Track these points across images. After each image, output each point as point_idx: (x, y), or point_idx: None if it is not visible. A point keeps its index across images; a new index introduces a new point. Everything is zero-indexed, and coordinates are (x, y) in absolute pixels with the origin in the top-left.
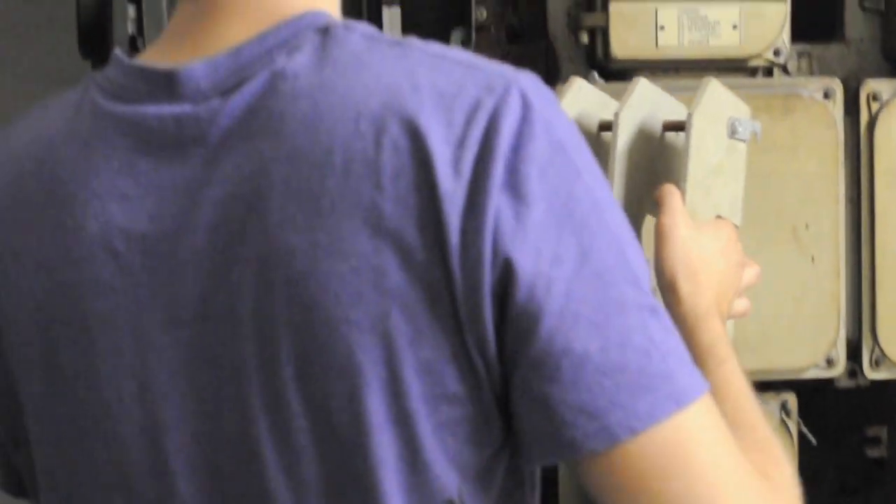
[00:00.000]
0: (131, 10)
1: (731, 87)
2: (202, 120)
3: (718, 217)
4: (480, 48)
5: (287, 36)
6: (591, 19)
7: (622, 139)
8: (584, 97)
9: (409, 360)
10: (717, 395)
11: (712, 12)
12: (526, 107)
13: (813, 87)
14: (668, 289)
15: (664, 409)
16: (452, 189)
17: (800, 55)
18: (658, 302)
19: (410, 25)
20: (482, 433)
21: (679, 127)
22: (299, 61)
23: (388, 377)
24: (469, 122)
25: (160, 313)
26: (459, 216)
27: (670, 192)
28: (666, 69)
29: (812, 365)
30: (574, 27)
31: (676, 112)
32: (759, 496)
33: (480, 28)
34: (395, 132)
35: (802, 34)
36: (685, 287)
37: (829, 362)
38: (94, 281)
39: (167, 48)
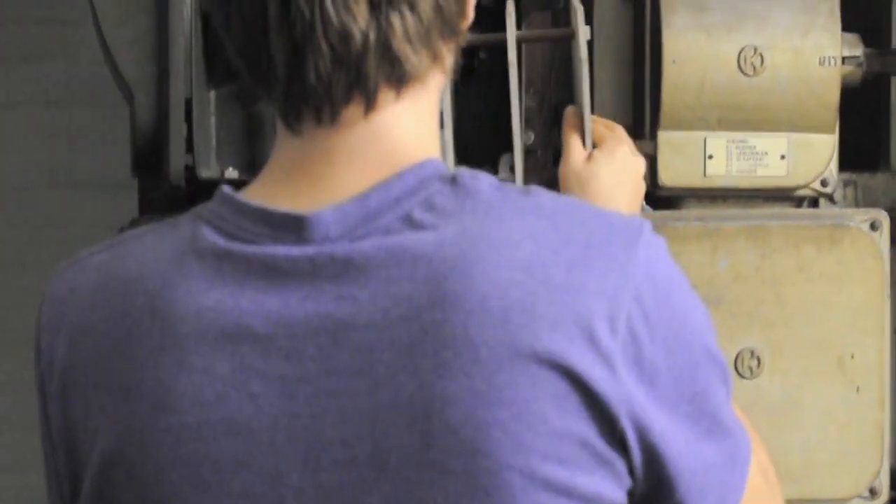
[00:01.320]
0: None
1: (777, 217)
2: (337, 259)
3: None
4: (528, 171)
5: (414, 184)
6: (639, 147)
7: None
8: None
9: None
10: None
11: (761, 142)
12: (653, 269)
13: (860, 218)
14: None
15: None
16: (609, 346)
17: (845, 184)
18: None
19: (459, 151)
20: None
21: None
22: (437, 209)
23: None
24: (612, 278)
25: (300, 457)
26: (612, 373)
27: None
28: (713, 197)
29: (855, 495)
30: None
31: None
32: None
33: (528, 151)
34: (551, 282)
35: (847, 163)
36: None
37: (873, 492)
38: (228, 422)
39: (280, 189)
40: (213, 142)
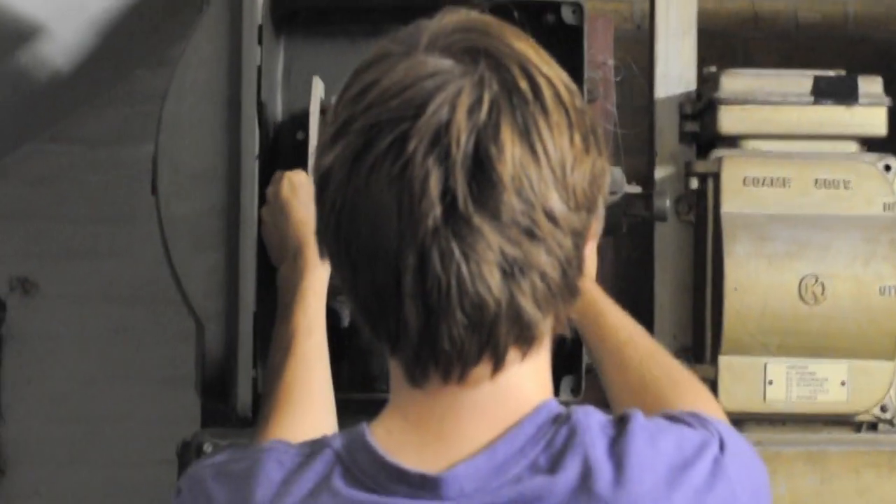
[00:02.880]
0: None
1: (837, 443)
2: None
3: None
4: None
5: (533, 432)
6: (700, 371)
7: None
8: None
9: None
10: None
11: (821, 369)
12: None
13: None
14: None
15: None
16: None
17: None
18: None
19: None
20: None
21: None
22: (555, 448)
23: None
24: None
25: None
26: None
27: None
28: (773, 422)
29: None
30: None
31: None
32: None
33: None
34: None
35: None
36: None
37: None
38: None
39: (407, 439)
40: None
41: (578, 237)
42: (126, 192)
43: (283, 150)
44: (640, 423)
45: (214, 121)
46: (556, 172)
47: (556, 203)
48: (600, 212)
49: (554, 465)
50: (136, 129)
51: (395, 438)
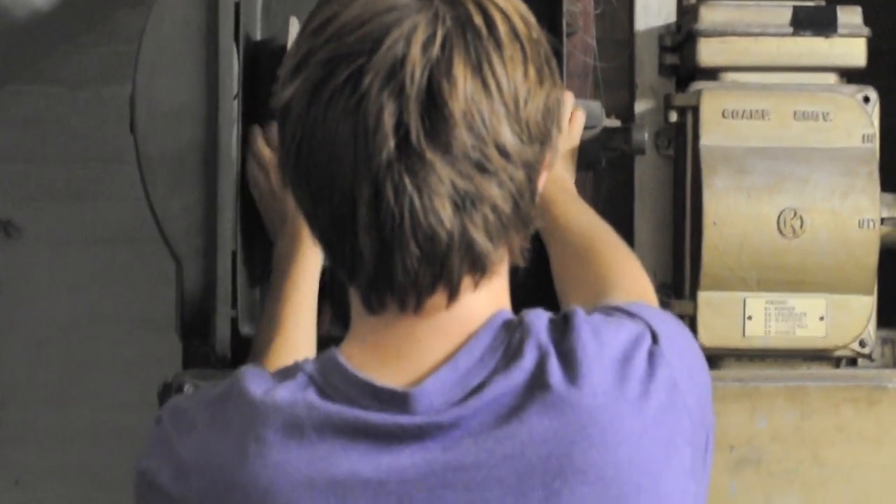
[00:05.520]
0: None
1: (816, 378)
2: (445, 425)
3: None
4: None
5: (487, 340)
6: (679, 307)
7: None
8: None
9: None
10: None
11: (800, 304)
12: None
13: None
14: None
15: None
16: None
17: (883, 342)
18: None
19: None
20: None
21: None
22: (511, 353)
23: None
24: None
25: None
26: None
27: None
28: (752, 357)
29: None
30: None
31: None
32: None
33: None
34: None
35: (885, 321)
36: None
37: None
38: None
39: (367, 360)
40: (257, 297)
41: (531, 169)
42: (108, 133)
43: (262, 86)
44: (583, 318)
45: (192, 58)
46: (509, 106)
47: (508, 137)
48: (554, 142)
49: (511, 366)
50: (117, 69)
51: (356, 360)
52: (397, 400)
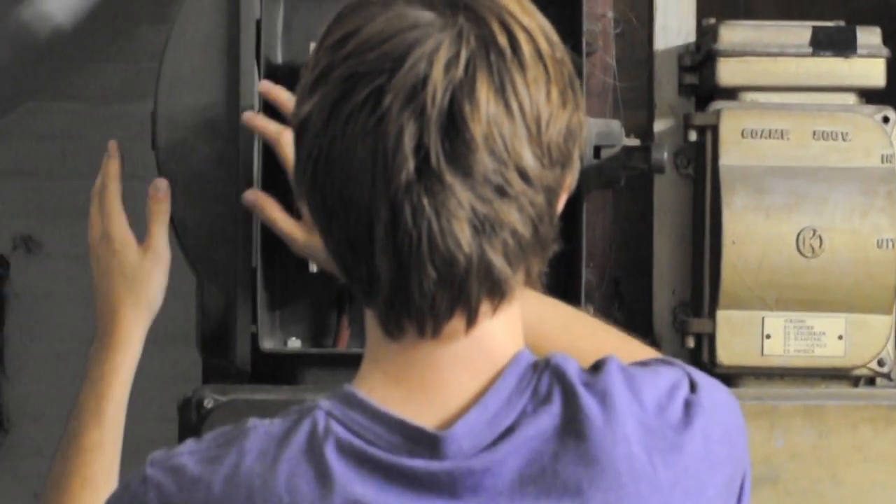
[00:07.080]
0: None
1: (835, 397)
2: (476, 471)
3: None
4: None
5: (514, 381)
6: (697, 325)
7: None
8: None
9: None
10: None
11: (818, 323)
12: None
13: None
14: None
15: None
16: None
17: None
18: None
19: None
20: None
21: None
22: (540, 396)
23: None
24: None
25: None
26: None
27: None
28: (770, 376)
29: None
30: (681, 331)
31: None
32: None
33: None
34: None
35: None
36: None
37: None
38: None
39: (390, 392)
40: (277, 312)
41: (551, 193)
42: (129, 149)
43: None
44: (617, 364)
45: (213, 75)
46: (531, 129)
47: (530, 160)
48: (575, 165)
49: (539, 410)
50: (138, 85)
51: (378, 394)
52: (427, 442)
